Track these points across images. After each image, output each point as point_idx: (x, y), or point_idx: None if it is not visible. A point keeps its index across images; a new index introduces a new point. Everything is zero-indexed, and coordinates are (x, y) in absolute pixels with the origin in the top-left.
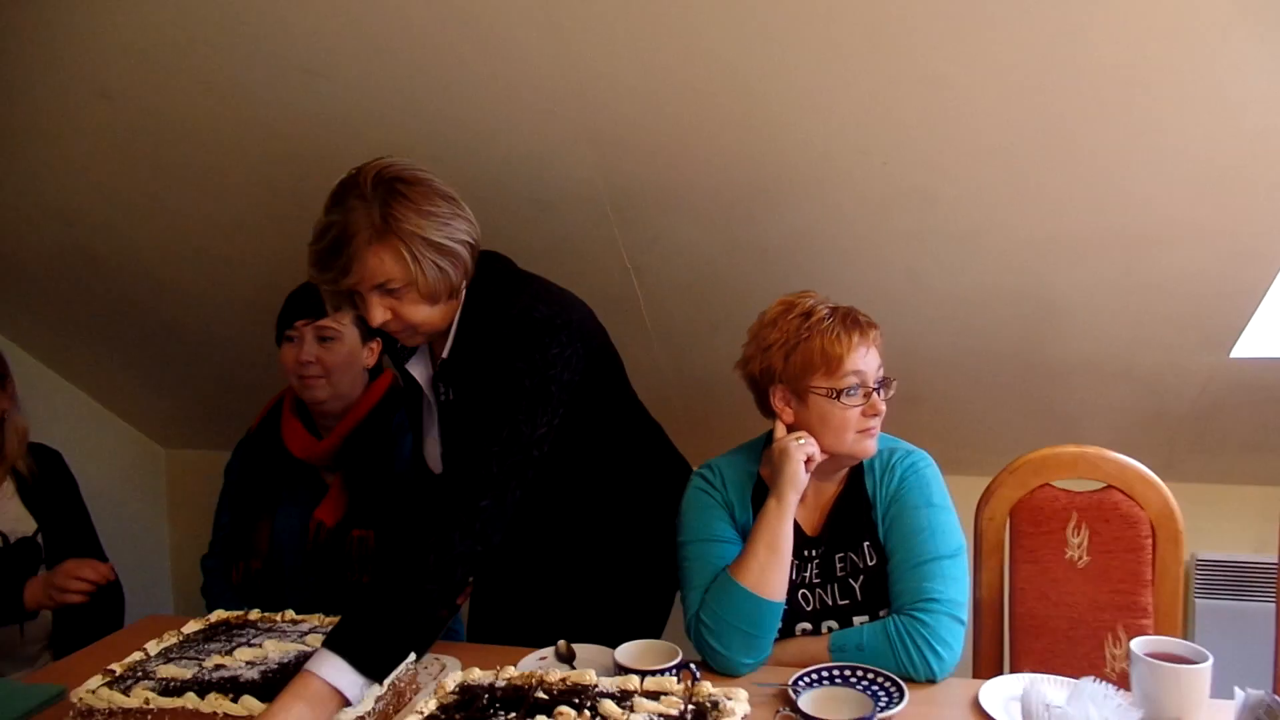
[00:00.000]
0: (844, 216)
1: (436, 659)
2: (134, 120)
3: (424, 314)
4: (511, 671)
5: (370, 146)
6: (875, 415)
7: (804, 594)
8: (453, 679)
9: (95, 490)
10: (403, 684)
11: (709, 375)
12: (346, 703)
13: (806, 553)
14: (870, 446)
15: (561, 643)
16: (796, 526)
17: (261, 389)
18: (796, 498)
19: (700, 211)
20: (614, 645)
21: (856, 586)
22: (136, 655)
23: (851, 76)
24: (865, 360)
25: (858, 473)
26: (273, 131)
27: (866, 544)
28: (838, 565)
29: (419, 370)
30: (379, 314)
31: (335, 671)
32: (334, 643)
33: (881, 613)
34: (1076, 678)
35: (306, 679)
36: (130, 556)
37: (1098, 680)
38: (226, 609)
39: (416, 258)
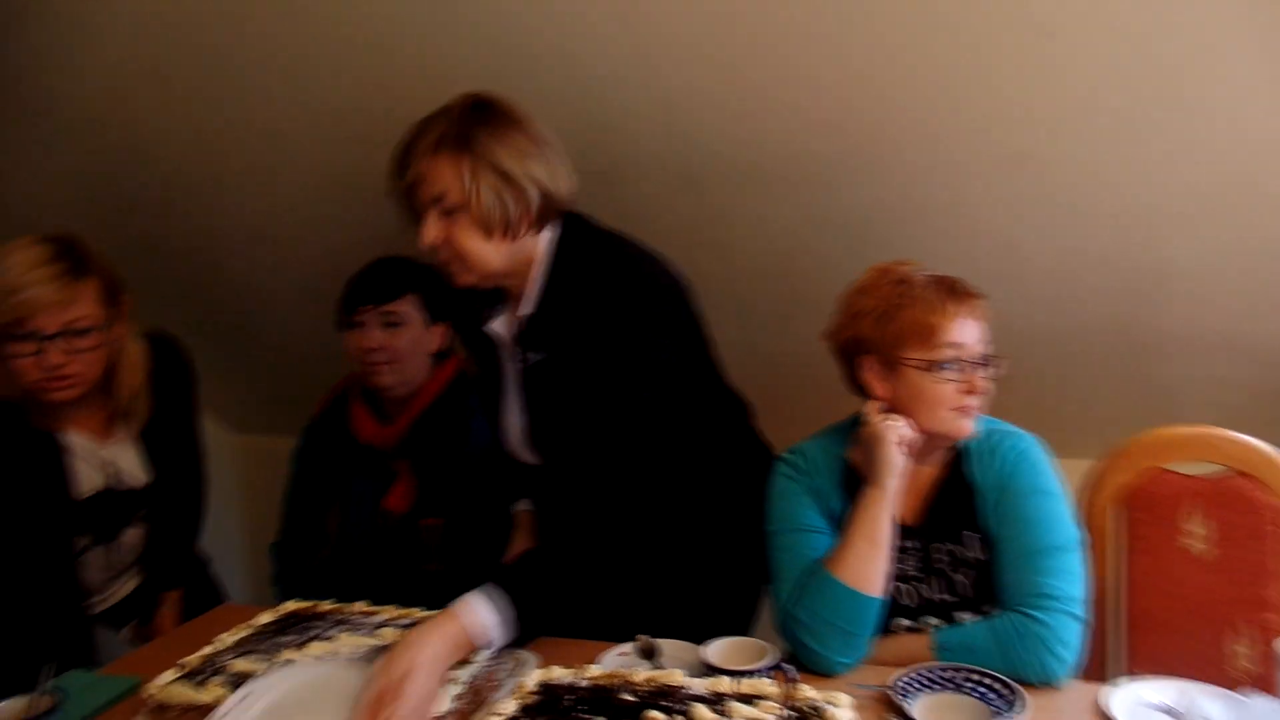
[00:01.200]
0: (934, 184)
1: (513, 654)
2: (193, 102)
3: (475, 245)
4: (595, 670)
5: None
6: (973, 393)
7: (901, 587)
8: (533, 677)
9: None
10: (480, 682)
11: (786, 355)
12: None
13: (904, 544)
14: (966, 426)
15: (642, 638)
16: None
17: (330, 375)
18: (895, 484)
19: (777, 181)
20: (697, 640)
21: (960, 581)
22: (209, 648)
23: (944, 29)
24: (965, 332)
25: (957, 456)
26: (333, 113)
27: (970, 534)
28: (939, 557)
29: (501, 330)
30: (432, 231)
31: (485, 613)
32: (487, 590)
33: (989, 609)
34: (1196, 679)
35: (452, 616)
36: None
37: (1258, 693)
38: (297, 598)
39: (475, 175)
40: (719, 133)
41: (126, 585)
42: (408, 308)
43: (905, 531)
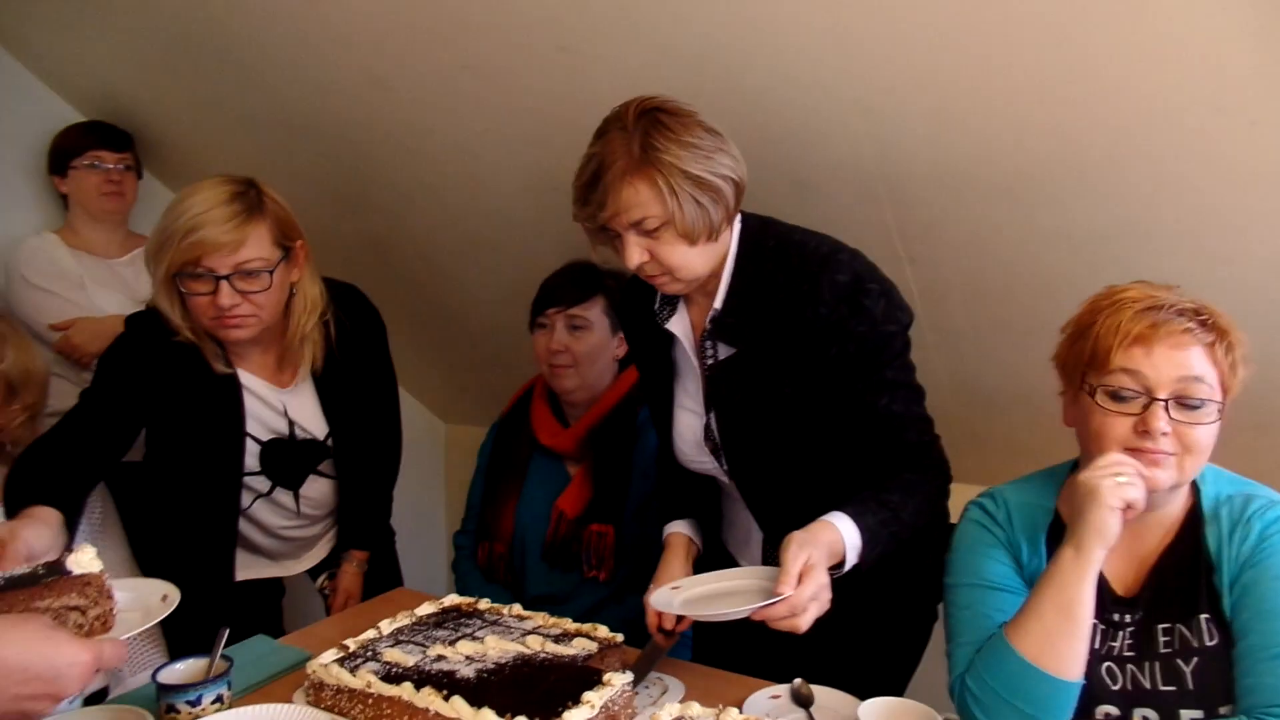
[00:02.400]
0: (1189, 195)
1: (659, 679)
2: (409, 111)
3: (682, 255)
4: (735, 716)
5: None
6: (1150, 434)
7: (1110, 668)
8: (669, 711)
9: None
10: (617, 708)
11: (993, 384)
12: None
13: (1117, 617)
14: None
15: (799, 682)
16: (1102, 581)
17: (530, 371)
18: (1103, 553)
19: (994, 193)
20: (856, 690)
21: (1187, 671)
22: (371, 633)
23: (1206, 8)
24: (1154, 361)
25: (1193, 520)
26: (535, 112)
27: (1204, 617)
28: (1161, 639)
29: (680, 328)
30: (636, 254)
31: (846, 527)
32: (848, 509)
33: (1223, 710)
34: None
35: (827, 526)
36: (409, 525)
37: None
38: (472, 587)
39: (674, 190)
40: (926, 138)
41: (318, 535)
42: (594, 312)
43: (1120, 603)
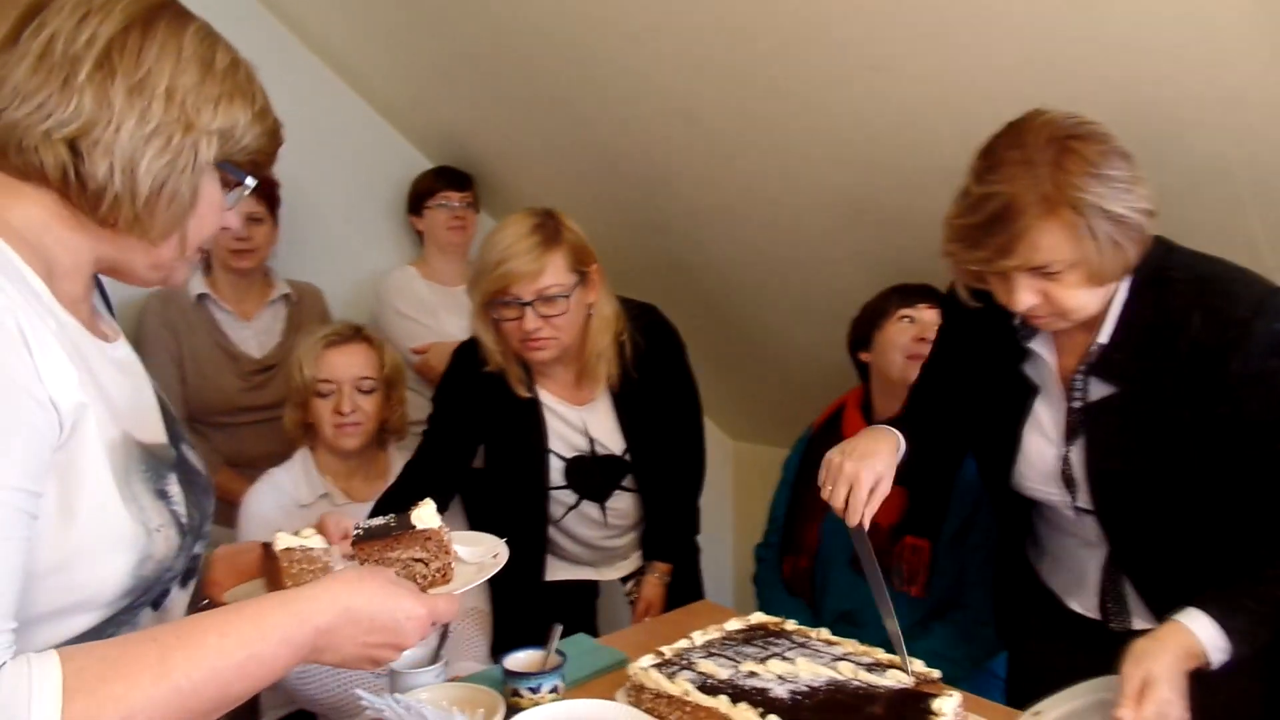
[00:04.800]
0: None
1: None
2: (714, 137)
3: (1082, 299)
4: None
5: (944, 143)
6: None
7: None
8: None
9: None
10: None
11: None
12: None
13: None
14: None
15: None
16: None
17: (821, 391)
18: None
19: None
20: None
21: None
22: (684, 642)
23: None
24: None
25: None
26: (838, 134)
27: None
28: None
29: (1045, 351)
30: (1026, 298)
31: (1204, 630)
32: (1206, 604)
33: None
34: None
35: (1179, 629)
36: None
37: None
38: (774, 600)
39: (1092, 233)
40: None
41: (630, 545)
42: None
43: None
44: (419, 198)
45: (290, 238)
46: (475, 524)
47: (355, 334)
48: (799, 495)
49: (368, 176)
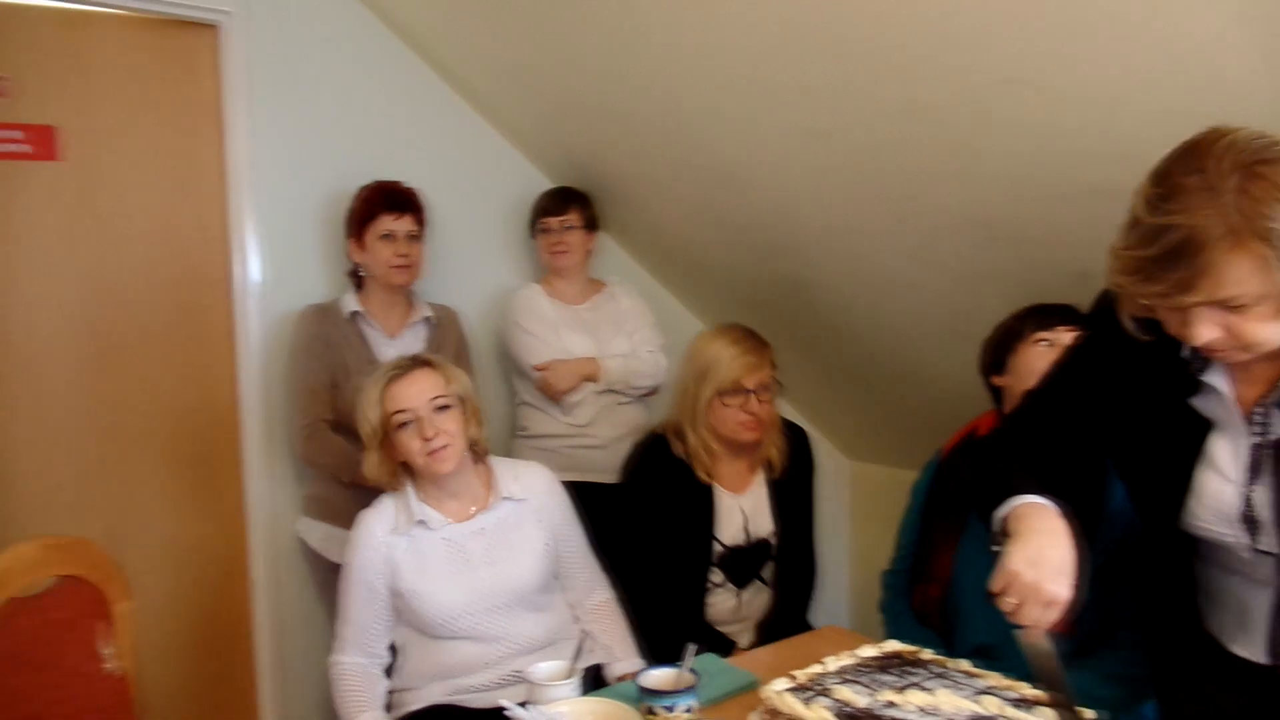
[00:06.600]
0: None
1: None
2: (841, 156)
3: (1270, 331)
4: None
5: (1088, 158)
6: None
7: None
8: None
9: None
10: None
11: None
12: None
13: None
14: None
15: None
16: None
17: (946, 412)
18: None
19: None
20: None
21: None
22: (816, 667)
23: None
24: None
25: None
26: (971, 150)
27: None
28: None
29: (1223, 384)
30: (1206, 332)
31: None
32: None
33: None
34: None
35: None
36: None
37: None
38: (903, 629)
39: None
40: None
41: (744, 636)
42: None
43: None
44: (531, 220)
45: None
46: (632, 595)
47: (414, 363)
48: (929, 521)
49: (494, 197)
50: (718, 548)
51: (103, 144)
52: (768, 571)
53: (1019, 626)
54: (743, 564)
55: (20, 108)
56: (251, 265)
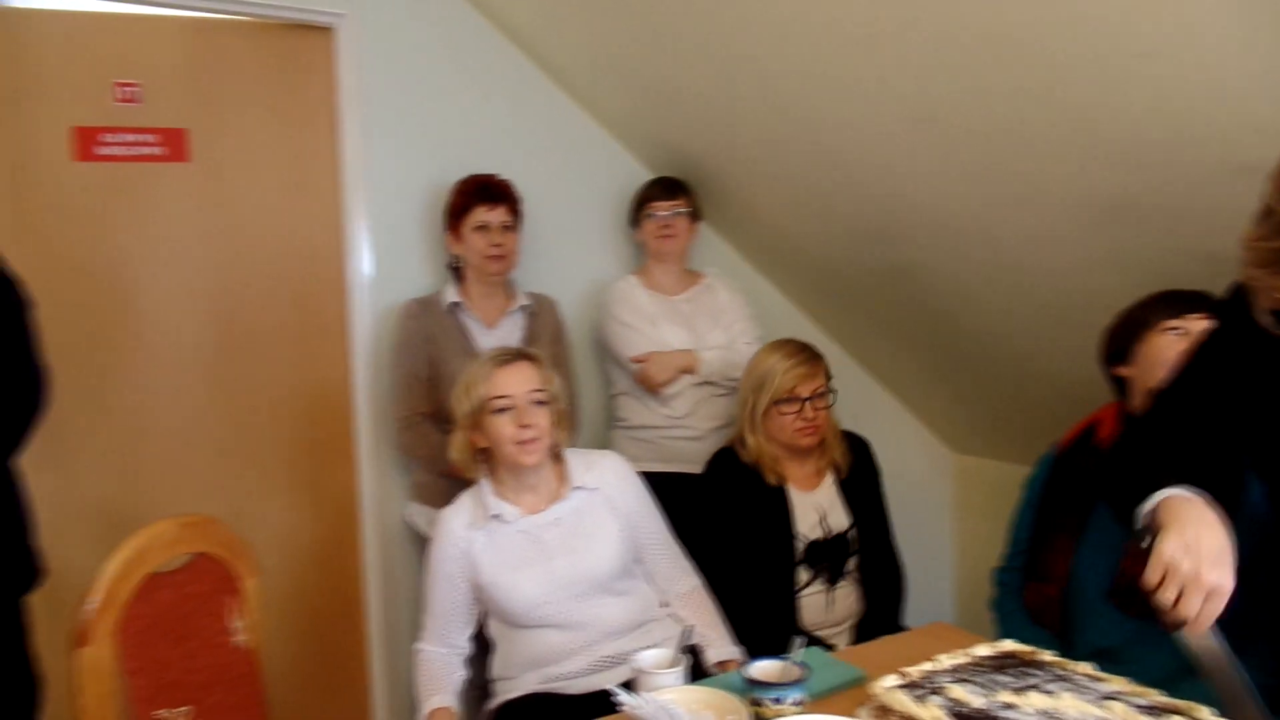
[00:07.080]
0: None
1: None
2: (954, 140)
3: None
4: None
5: (1223, 136)
6: None
7: None
8: None
9: (887, 484)
10: None
11: None
12: None
13: None
14: None
15: None
16: None
17: (1061, 404)
18: None
19: None
20: None
21: None
22: (928, 665)
23: None
24: None
25: None
26: (1095, 130)
27: None
28: None
29: None
30: None
31: None
32: None
33: None
34: None
35: None
36: (914, 554)
37: None
38: (1016, 628)
39: None
40: None
41: (840, 639)
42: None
43: None
44: (635, 209)
45: (522, 248)
46: (725, 601)
47: (519, 355)
48: (1045, 518)
49: (592, 188)
50: (799, 546)
51: (227, 144)
52: (852, 567)
53: (1174, 626)
54: (826, 557)
55: (153, 112)
56: (363, 259)
